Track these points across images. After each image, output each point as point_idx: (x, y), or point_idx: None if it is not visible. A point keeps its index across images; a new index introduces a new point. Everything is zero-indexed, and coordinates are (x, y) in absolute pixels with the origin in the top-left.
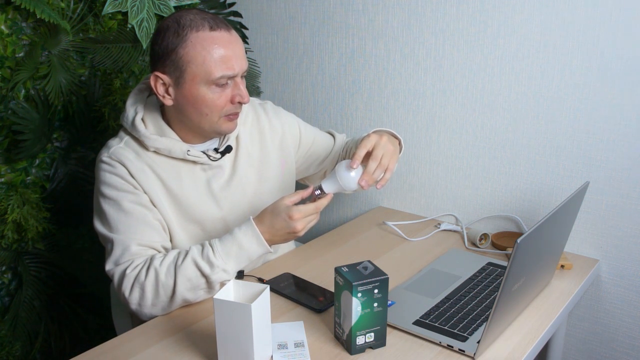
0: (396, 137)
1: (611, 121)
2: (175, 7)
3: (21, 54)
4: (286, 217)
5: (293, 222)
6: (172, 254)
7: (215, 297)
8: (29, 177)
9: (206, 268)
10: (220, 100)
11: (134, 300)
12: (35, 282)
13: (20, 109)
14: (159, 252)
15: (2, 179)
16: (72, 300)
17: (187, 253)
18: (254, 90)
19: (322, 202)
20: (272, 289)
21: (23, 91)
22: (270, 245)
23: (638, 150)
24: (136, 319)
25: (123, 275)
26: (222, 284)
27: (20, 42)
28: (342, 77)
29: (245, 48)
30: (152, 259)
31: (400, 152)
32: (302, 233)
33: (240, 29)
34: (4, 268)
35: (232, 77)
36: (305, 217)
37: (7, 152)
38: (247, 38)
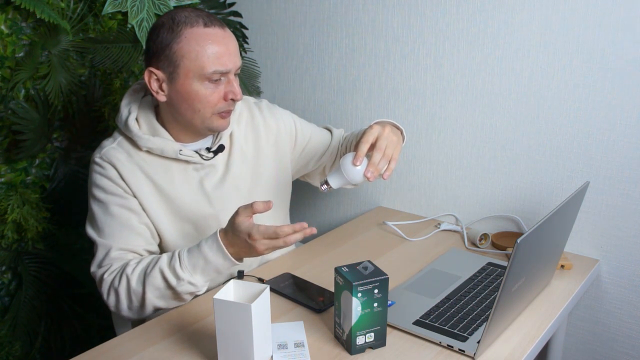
0: (398, 128)
1: (611, 121)
2: (175, 7)
3: (21, 54)
4: (246, 237)
5: (252, 242)
6: (145, 262)
7: (215, 297)
8: (29, 177)
9: (172, 280)
10: (213, 96)
11: (111, 304)
12: (35, 282)
13: (20, 109)
14: (142, 256)
15: (2, 179)
16: (72, 300)
17: (156, 262)
18: (254, 90)
19: (284, 230)
20: (272, 289)
21: (23, 91)
22: (239, 259)
23: (638, 150)
24: (136, 319)
25: (101, 279)
26: (193, 294)
27: (20, 42)
28: (342, 76)
29: (246, 48)
30: (126, 265)
31: (403, 142)
32: (264, 252)
33: (240, 29)
34: (4, 268)
35: (225, 74)
36: (265, 239)
37: (7, 152)
38: (247, 38)
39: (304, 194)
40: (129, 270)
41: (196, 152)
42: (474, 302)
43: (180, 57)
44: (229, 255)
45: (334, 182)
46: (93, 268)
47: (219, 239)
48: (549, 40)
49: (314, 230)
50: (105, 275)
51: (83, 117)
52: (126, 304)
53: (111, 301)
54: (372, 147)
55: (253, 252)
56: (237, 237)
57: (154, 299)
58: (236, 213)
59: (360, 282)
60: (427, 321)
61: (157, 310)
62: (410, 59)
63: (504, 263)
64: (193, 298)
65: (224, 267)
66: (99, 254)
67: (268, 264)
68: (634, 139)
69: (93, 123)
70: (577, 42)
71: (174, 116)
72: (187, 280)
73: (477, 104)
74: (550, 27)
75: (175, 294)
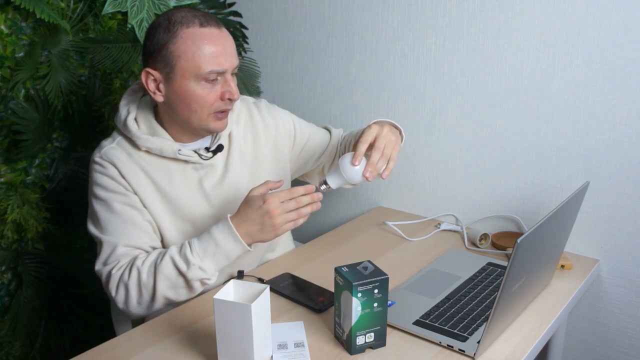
0: (397, 128)
1: (611, 121)
2: (173, 7)
3: (21, 54)
4: (260, 203)
5: (266, 205)
6: (154, 254)
7: (215, 297)
8: (28, 177)
9: (183, 266)
10: (210, 96)
11: (120, 300)
12: (35, 282)
13: (20, 109)
14: (147, 252)
15: (2, 179)
16: (72, 300)
17: (167, 251)
18: (254, 90)
19: (298, 190)
20: (272, 289)
21: (23, 91)
22: (250, 244)
23: (638, 150)
24: (136, 319)
25: (109, 275)
26: (203, 283)
27: (20, 42)
28: (342, 76)
29: (245, 48)
30: (135, 259)
31: (401, 141)
32: (278, 220)
33: (240, 28)
34: (4, 268)
35: (221, 73)
36: (279, 202)
37: (7, 152)
38: (247, 38)
39: None
40: (139, 262)
41: (195, 151)
42: (474, 302)
43: (176, 58)
44: (239, 237)
45: (333, 182)
46: (98, 266)
47: (229, 221)
48: (549, 40)
49: (320, 196)
50: (114, 271)
51: (83, 117)
52: (136, 299)
53: (120, 297)
54: (371, 146)
55: (266, 222)
56: (250, 207)
57: (164, 290)
58: (250, 190)
59: (360, 282)
60: (427, 321)
61: (167, 305)
62: (410, 58)
63: (504, 263)
64: (202, 293)
65: (234, 252)
66: (105, 252)
67: (268, 264)
68: (634, 139)
69: (93, 123)
70: (577, 42)
71: (171, 116)
72: (197, 266)
73: (477, 104)
74: (550, 27)
75: (186, 282)
